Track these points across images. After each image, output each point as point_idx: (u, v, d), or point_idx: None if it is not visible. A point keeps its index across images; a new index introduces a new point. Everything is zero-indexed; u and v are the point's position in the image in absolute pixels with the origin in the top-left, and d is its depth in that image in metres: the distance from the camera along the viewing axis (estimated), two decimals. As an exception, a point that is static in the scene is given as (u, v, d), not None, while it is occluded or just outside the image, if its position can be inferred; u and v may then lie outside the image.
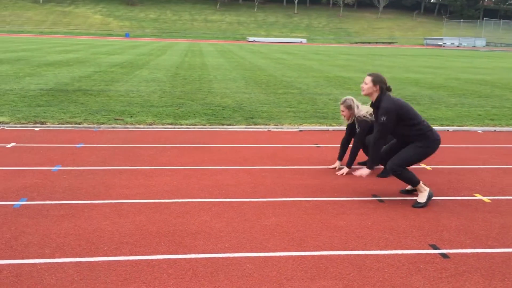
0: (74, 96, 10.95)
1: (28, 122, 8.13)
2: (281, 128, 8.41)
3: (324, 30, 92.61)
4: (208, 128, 8.25)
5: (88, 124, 8.20)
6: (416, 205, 4.66)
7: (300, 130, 8.30)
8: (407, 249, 3.72)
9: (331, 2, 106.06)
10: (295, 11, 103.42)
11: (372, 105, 4.85)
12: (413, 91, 13.99)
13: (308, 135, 7.92)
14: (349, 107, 5.74)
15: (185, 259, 3.43)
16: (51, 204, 4.44)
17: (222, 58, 27.66)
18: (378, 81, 4.66)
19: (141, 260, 3.39)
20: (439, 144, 4.75)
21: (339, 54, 36.95)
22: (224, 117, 9.08)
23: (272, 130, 8.27)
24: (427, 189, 4.75)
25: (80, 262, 3.34)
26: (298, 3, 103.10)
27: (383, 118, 4.56)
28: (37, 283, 3.04)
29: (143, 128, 8.14)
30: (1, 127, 7.73)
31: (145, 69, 18.42)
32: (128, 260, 3.38)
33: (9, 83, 12.84)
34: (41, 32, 74.62)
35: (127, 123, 8.35)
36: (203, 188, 5.06)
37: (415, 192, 4.98)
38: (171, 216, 4.25)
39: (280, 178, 5.47)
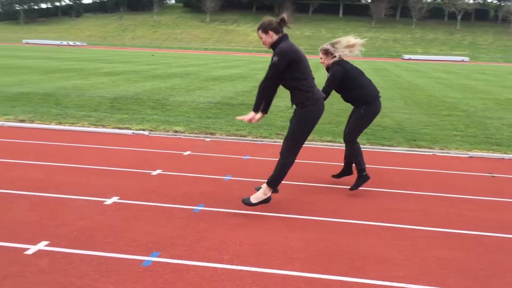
0: (238, 110, 11.63)
1: (200, 133, 8.83)
2: (448, 153, 7.88)
3: (490, 48, 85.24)
4: (368, 148, 8.08)
5: (252, 137, 8.61)
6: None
7: (470, 157, 7.68)
8: None
9: (499, 17, 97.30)
10: (457, 27, 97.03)
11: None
12: None
13: (480, 162, 7.29)
14: (327, 53, 5.32)
15: (357, 283, 3.36)
16: (226, 212, 4.72)
17: (377, 76, 27.06)
18: (269, 24, 4.41)
19: (314, 278, 3.41)
20: (322, 104, 4.53)
21: (508, 75, 33.61)
22: (384, 138, 8.83)
23: (438, 154, 7.79)
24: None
25: (256, 272, 3.47)
26: (461, 19, 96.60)
27: (275, 59, 4.30)
28: (219, 287, 3.23)
29: (305, 144, 8.26)
30: (178, 136, 8.51)
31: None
32: (301, 276, 3.43)
33: (182, 95, 14.14)
34: (205, 49, 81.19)
35: (288, 138, 8.57)
36: (369, 210, 4.94)
37: None
38: (339, 236, 4.22)
39: (453, 208, 5.10)
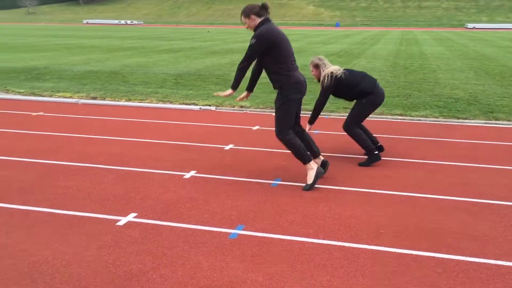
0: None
1: (266, 107, 8.80)
2: (530, 126, 7.43)
3: None
4: (442, 121, 7.77)
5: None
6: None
7: (555, 129, 7.21)
8: None
9: None
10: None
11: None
12: None
13: None
14: (316, 66, 5.42)
15: (452, 260, 3.24)
16: (303, 186, 4.69)
17: (440, 46, 25.91)
18: (251, 9, 4.46)
19: (405, 253, 3.32)
20: (302, 85, 4.53)
21: None
22: (458, 110, 8.44)
23: (519, 127, 7.37)
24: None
25: (343, 246, 3.43)
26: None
27: (253, 41, 4.36)
28: (309, 260, 3.22)
29: (372, 118, 8.06)
30: (244, 111, 8.53)
31: (362, 58, 18.34)
32: (391, 252, 3.35)
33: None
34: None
35: (355, 112, 8.38)
36: (452, 185, 4.75)
37: None
38: (425, 212, 4.08)
39: (543, 183, 4.81)
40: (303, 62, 16.36)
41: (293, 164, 5.39)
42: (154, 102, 9.20)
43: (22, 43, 26.16)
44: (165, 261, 3.18)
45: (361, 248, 3.41)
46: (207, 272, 3.04)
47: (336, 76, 5.35)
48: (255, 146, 6.19)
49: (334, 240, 3.52)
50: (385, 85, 11.25)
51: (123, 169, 5.14)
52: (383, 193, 4.52)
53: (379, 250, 3.37)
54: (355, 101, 5.69)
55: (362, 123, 5.71)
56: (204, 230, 3.67)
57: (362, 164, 5.43)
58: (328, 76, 5.33)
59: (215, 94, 5.17)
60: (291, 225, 3.79)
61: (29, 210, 3.99)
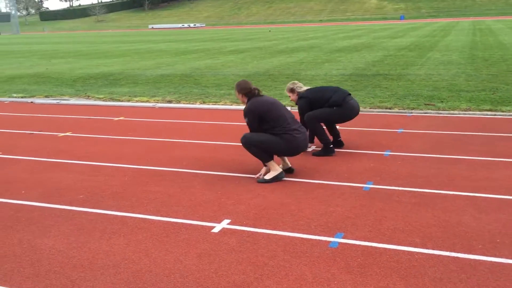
0: (375, 81, 11.09)
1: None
2: None
3: None
4: (538, 116, 7.17)
5: (399, 109, 8.11)
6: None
7: None
8: None
9: None
10: None
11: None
12: None
13: None
14: (292, 91, 5.86)
15: None
16: (399, 190, 4.43)
17: (520, 35, 24.32)
18: (241, 89, 4.92)
19: (531, 267, 3.00)
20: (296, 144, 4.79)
21: None
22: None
23: None
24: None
25: (457, 258, 3.15)
26: None
27: (246, 119, 4.88)
28: (422, 274, 2.98)
29: (459, 114, 7.61)
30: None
31: (435, 51, 17.54)
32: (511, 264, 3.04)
33: (312, 69, 13.90)
34: (320, 21, 79.78)
35: (439, 109, 7.94)
36: None
37: None
38: (542, 218, 3.70)
39: None
40: (371, 58, 15.91)
41: (382, 166, 5.13)
42: (228, 104, 9.19)
43: (94, 50, 27.33)
44: (268, 272, 3.06)
45: (478, 259, 3.11)
46: (313, 285, 2.89)
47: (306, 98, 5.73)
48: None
49: (446, 251, 3.25)
50: (467, 79, 10.65)
51: (208, 173, 5.09)
52: (489, 197, 4.17)
53: (499, 263, 3.07)
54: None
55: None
56: (302, 238, 3.52)
57: (315, 154, 5.69)
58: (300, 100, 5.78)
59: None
60: (394, 233, 3.55)
61: (125, 216, 4.02)
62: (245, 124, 4.96)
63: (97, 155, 5.94)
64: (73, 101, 10.21)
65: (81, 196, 4.51)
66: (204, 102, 9.41)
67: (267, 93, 10.08)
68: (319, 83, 10.97)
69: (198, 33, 51.94)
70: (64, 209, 4.22)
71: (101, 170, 5.36)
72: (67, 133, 7.19)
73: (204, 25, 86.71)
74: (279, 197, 4.37)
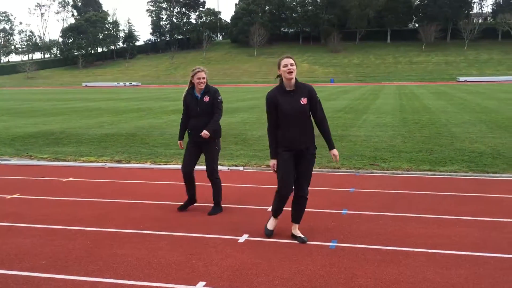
0: (320, 141, 11.54)
1: (293, 166, 8.80)
2: (562, 178, 7.46)
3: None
4: (473, 176, 7.78)
5: (346, 169, 8.51)
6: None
7: None
8: None
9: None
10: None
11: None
12: None
13: None
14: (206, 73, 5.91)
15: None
16: (363, 247, 4.62)
17: (440, 100, 26.43)
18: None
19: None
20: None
21: None
22: (485, 165, 8.49)
23: (553, 180, 7.39)
24: None
25: (430, 311, 3.33)
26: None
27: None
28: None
29: (402, 174, 8.10)
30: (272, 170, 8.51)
31: (369, 114, 18.63)
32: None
33: (257, 129, 14.28)
34: (255, 82, 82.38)
35: (383, 169, 8.42)
36: (510, 243, 4.70)
37: None
38: (497, 272, 4.01)
39: None
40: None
41: (342, 224, 5.34)
42: (179, 163, 9.20)
43: (28, 108, 26.46)
44: (253, 334, 3.07)
45: (450, 313, 3.31)
46: None
47: None
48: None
49: (419, 305, 3.42)
50: (403, 140, 11.39)
51: (174, 234, 5.06)
52: (447, 253, 4.45)
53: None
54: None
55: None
56: (281, 298, 3.57)
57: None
58: None
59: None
60: (368, 290, 3.70)
61: (95, 281, 3.89)
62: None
63: (51, 218, 5.71)
64: (14, 161, 9.79)
65: (44, 262, 4.31)
66: (155, 162, 9.37)
67: (217, 153, 10.21)
68: (267, 144, 11.26)
69: (135, 91, 51.82)
70: (27, 275, 4.01)
71: (58, 233, 5.15)
72: (15, 195, 6.87)
73: (140, 83, 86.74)
74: (249, 257, 4.41)
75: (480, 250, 4.50)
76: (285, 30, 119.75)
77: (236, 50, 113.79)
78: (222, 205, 6.06)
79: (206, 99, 5.78)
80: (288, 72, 4.56)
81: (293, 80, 4.63)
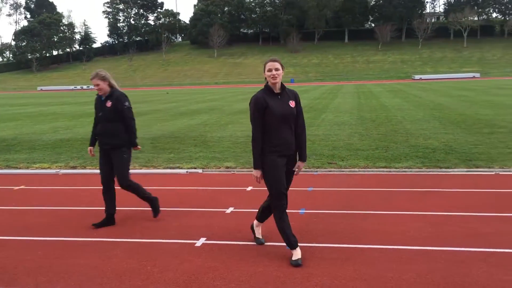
0: (279, 142, 11.61)
1: (251, 167, 8.80)
2: (510, 171, 7.75)
3: (500, 62, 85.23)
4: (426, 171, 7.99)
5: (305, 168, 8.57)
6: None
7: (535, 174, 7.55)
8: None
9: (506, 32, 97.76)
10: (465, 45, 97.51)
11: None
12: None
13: (548, 179, 7.16)
14: (104, 78, 5.40)
15: (495, 313, 3.26)
16: (320, 246, 4.65)
17: (397, 98, 27.09)
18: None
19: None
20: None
21: (527, 87, 33.50)
22: (438, 160, 8.74)
23: (501, 173, 7.68)
24: None
25: (384, 307, 3.38)
26: (467, 36, 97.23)
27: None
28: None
29: (359, 171, 8.23)
30: (232, 172, 8.50)
31: (328, 113, 18.88)
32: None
33: (217, 131, 14.22)
34: (216, 83, 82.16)
35: (341, 167, 8.53)
36: (463, 236, 4.83)
37: None
38: (448, 265, 4.12)
39: (546, 228, 4.98)
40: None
41: (300, 224, 5.36)
42: (137, 167, 9.05)
43: (-21, 113, 25.41)
44: None
45: (403, 308, 3.37)
46: None
47: None
48: (255, 207, 6.12)
49: (373, 302, 3.47)
50: (360, 138, 11.58)
51: (129, 241, 4.95)
52: (400, 249, 4.54)
53: (421, 309, 3.34)
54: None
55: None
56: (237, 302, 3.54)
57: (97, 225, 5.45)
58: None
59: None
60: (323, 289, 3.72)
61: (45, 294, 3.75)
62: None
63: (1, 228, 5.48)
64: (-38, 169, 9.36)
65: (-10, 275, 4.13)
66: (111, 167, 9.15)
67: (177, 155, 10.11)
68: (227, 145, 11.26)
69: (92, 95, 50.60)
70: (-28, 291, 3.83)
71: (7, 244, 4.95)
72: (-39, 206, 6.57)
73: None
74: (206, 261, 4.37)
75: (433, 245, 4.61)
76: (245, 31, 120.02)
77: (196, 52, 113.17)
78: (180, 209, 5.97)
79: (108, 104, 5.42)
80: (272, 78, 4.28)
81: (279, 84, 4.37)
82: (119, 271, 4.16)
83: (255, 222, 4.88)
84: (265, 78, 4.40)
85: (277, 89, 4.37)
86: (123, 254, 4.57)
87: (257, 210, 4.89)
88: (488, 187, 6.78)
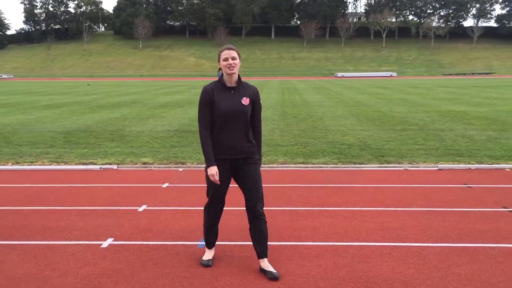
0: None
1: (170, 163, 8.59)
2: (417, 167, 8.16)
3: (415, 62, 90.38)
4: (342, 167, 8.21)
5: (224, 164, 8.48)
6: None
7: (440, 169, 7.99)
8: None
9: (421, 34, 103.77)
10: (383, 45, 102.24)
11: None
12: (543, 124, 13.05)
13: (451, 175, 7.60)
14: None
15: (394, 307, 3.35)
16: (230, 244, 4.58)
17: (319, 94, 27.80)
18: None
19: (350, 306, 3.36)
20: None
21: (437, 87, 35.72)
22: (353, 156, 9.01)
23: (409, 169, 8.05)
24: None
25: (289, 306, 3.38)
26: (386, 36, 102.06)
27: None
28: (260, 326, 3.11)
29: (277, 167, 8.28)
30: (148, 168, 8.24)
31: (252, 108, 18.93)
32: (336, 306, 3.37)
33: (137, 125, 13.77)
34: (141, 76, 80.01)
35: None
36: (371, 231, 4.98)
37: None
38: (354, 260, 4.21)
39: (446, 221, 5.25)
40: (194, 114, 16.48)
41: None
42: (46, 163, 8.52)
43: None
44: None
45: (308, 305, 3.38)
46: None
47: None
48: (169, 205, 5.96)
49: (279, 301, 3.45)
50: (281, 134, 11.70)
51: (28, 243, 4.60)
52: (309, 245, 4.58)
53: (325, 306, 3.37)
54: None
55: None
56: (140, 306, 3.38)
57: None
58: None
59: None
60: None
61: None
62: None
63: None
64: None
65: None
66: (18, 163, 8.55)
67: (91, 151, 9.64)
68: (146, 139, 10.92)
69: (5, 85, 47.46)
70: None
71: None
72: None
73: (12, 76, 79.71)
74: (111, 263, 4.15)
75: (341, 240, 4.70)
76: (172, 23, 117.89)
77: (119, 42, 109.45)
78: (88, 208, 5.66)
79: None
80: (229, 68, 3.79)
81: (235, 76, 3.86)
82: (13, 277, 3.84)
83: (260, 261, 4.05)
84: (220, 69, 3.93)
85: (232, 82, 3.88)
86: (19, 258, 4.24)
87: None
88: (397, 182, 7.07)
